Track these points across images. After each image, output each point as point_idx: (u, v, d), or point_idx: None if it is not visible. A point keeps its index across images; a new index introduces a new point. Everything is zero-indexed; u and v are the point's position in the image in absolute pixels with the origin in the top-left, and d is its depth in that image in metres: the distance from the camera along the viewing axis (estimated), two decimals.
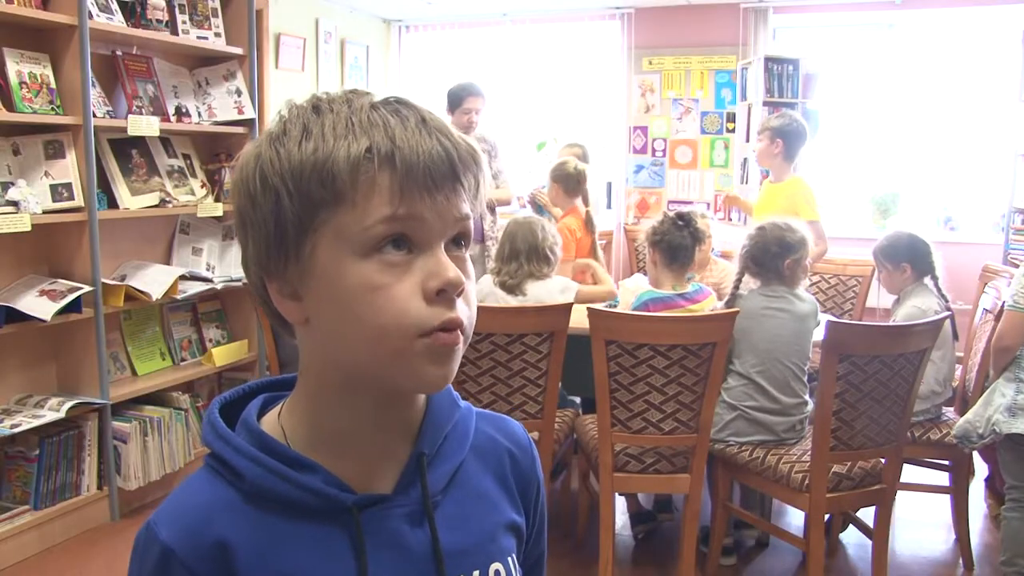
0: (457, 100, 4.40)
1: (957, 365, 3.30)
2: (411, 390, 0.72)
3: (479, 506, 0.76)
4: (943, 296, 2.99)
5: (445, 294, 0.65)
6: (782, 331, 2.71)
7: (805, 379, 2.77)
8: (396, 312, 0.64)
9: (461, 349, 0.68)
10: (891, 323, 2.90)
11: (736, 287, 2.83)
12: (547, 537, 0.87)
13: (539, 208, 4.29)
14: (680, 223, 2.88)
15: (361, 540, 0.68)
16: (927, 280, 3.03)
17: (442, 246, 0.66)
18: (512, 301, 2.95)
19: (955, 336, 3.01)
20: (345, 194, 0.64)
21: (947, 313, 2.77)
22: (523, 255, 3.00)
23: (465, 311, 0.67)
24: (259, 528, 0.67)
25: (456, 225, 0.67)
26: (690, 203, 5.65)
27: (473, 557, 0.74)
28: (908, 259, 3.02)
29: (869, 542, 2.72)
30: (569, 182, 3.93)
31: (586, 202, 3.98)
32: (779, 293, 2.76)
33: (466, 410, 0.79)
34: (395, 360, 0.66)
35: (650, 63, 6.25)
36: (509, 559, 0.77)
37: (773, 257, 2.75)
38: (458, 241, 0.69)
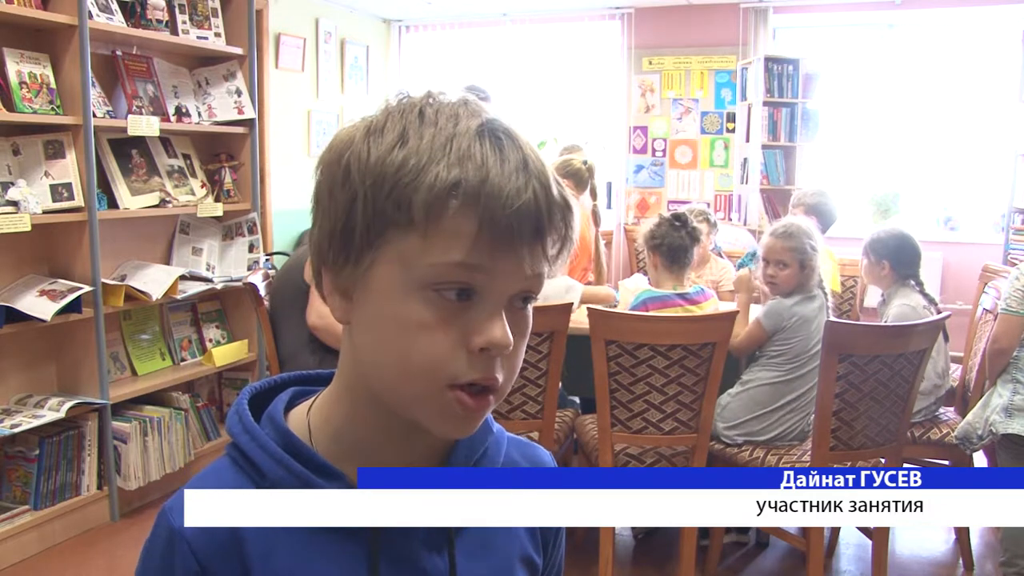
0: None
1: (957, 365, 3.31)
2: (428, 429, 0.68)
3: (499, 537, 0.74)
4: (930, 299, 2.98)
5: (488, 352, 0.62)
6: (819, 332, 2.71)
7: None
8: (433, 357, 0.61)
9: (492, 407, 0.65)
10: (887, 323, 2.90)
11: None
12: None
13: None
14: (677, 224, 2.88)
15: (376, 558, 0.66)
16: (911, 283, 3.02)
17: (503, 301, 0.62)
18: None
19: (946, 338, 3.01)
20: (418, 222, 0.59)
21: (947, 313, 2.77)
22: None
23: (506, 372, 0.64)
24: (275, 527, 0.65)
25: (526, 282, 0.63)
26: (689, 203, 5.64)
27: None
28: (889, 257, 3.00)
29: (869, 542, 2.72)
30: (580, 177, 3.93)
31: (594, 196, 3.98)
32: (816, 294, 2.78)
33: (499, 434, 0.76)
34: (417, 402, 0.64)
35: (650, 63, 6.25)
36: None
37: (812, 258, 2.77)
38: (525, 296, 0.64)
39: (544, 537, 0.78)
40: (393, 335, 0.62)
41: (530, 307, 0.66)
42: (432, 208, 0.59)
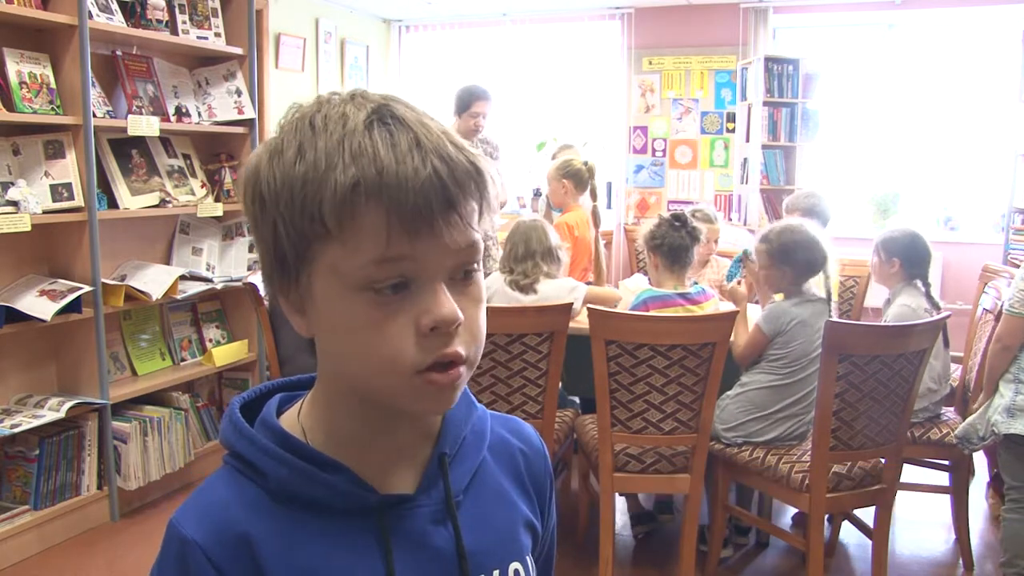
0: (465, 104, 4.40)
1: (957, 365, 3.30)
2: (411, 413, 0.72)
3: (498, 505, 0.77)
4: (933, 301, 2.98)
5: (439, 330, 0.63)
6: (819, 336, 2.71)
7: None
8: (388, 350, 0.63)
9: (465, 377, 0.67)
10: (886, 323, 2.90)
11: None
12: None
13: (549, 205, 4.25)
14: (677, 224, 2.88)
15: (387, 540, 0.68)
16: (917, 283, 3.02)
17: (439, 279, 0.64)
18: (524, 300, 2.97)
19: (946, 343, 3.00)
20: (332, 230, 0.61)
21: (947, 313, 2.77)
22: (539, 255, 3.04)
23: (467, 341, 0.66)
24: (284, 525, 0.67)
25: (458, 255, 0.64)
26: (690, 203, 5.65)
27: (494, 556, 0.74)
28: (900, 255, 3.00)
29: (869, 542, 2.72)
30: (580, 178, 3.93)
31: (594, 197, 3.98)
32: (816, 297, 2.77)
33: (482, 411, 0.80)
34: (391, 392, 0.66)
35: (650, 63, 6.25)
36: (527, 558, 0.77)
37: (814, 262, 2.76)
38: (464, 269, 0.65)
39: (539, 497, 0.82)
40: (349, 340, 0.64)
41: (476, 276, 0.67)
42: (341, 213, 0.60)
